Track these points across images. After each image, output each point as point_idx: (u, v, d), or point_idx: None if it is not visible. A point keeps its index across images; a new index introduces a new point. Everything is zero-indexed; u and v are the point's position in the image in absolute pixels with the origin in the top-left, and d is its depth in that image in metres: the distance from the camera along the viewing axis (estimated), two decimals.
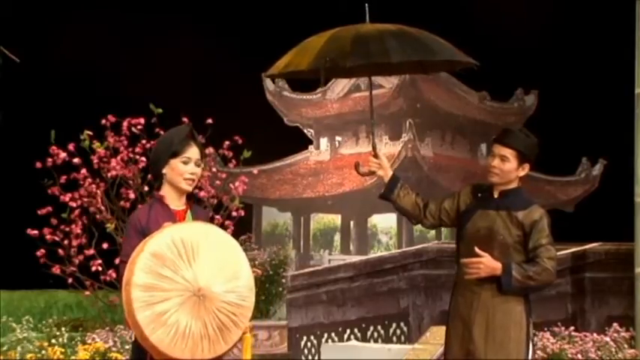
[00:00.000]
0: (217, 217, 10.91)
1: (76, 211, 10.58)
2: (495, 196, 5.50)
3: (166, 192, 5.04)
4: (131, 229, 4.95)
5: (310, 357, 14.45)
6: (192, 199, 5.14)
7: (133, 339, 4.96)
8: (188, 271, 4.75)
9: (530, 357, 5.40)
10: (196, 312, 4.74)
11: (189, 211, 5.08)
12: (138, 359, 4.90)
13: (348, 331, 13.40)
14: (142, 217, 4.96)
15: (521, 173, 5.50)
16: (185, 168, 5.01)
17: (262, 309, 12.56)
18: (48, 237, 10.44)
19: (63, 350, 9.45)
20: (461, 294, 5.48)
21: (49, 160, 10.45)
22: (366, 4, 5.73)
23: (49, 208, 10.44)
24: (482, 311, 5.38)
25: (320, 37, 5.66)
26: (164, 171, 5.01)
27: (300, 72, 5.72)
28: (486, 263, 5.29)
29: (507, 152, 5.45)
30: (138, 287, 4.67)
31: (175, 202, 5.04)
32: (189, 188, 5.05)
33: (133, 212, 5.06)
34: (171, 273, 4.73)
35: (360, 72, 6.09)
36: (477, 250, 5.31)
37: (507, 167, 5.45)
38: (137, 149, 10.76)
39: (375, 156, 5.73)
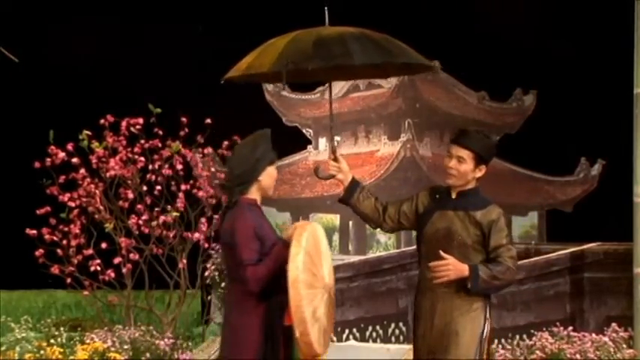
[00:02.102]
0: (216, 216, 10.91)
1: (75, 211, 10.58)
2: (453, 196, 5.53)
3: (255, 196, 5.20)
4: (250, 234, 5.03)
5: None
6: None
7: (253, 338, 5.01)
8: (321, 268, 5.05)
9: (481, 357, 5.40)
10: (326, 307, 5.05)
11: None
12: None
13: (347, 331, 13.38)
14: (255, 222, 5.08)
15: (478, 174, 5.52)
16: (276, 173, 5.26)
17: None
18: (47, 237, 10.45)
19: (61, 350, 9.45)
20: (422, 295, 5.52)
21: (48, 159, 10.46)
22: (325, 8, 5.73)
23: (48, 208, 10.45)
24: (443, 310, 5.43)
25: (281, 40, 5.65)
26: (260, 178, 5.16)
27: (261, 75, 5.71)
28: (454, 265, 5.30)
29: (464, 153, 5.46)
30: (303, 284, 4.87)
31: (259, 205, 5.24)
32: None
33: (241, 221, 5.09)
34: (316, 270, 4.99)
35: (321, 75, 6.08)
36: (441, 253, 5.33)
37: (464, 168, 5.47)
38: (136, 149, 10.76)
39: (335, 159, 5.76)
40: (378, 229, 5.79)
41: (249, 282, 4.98)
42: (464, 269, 5.31)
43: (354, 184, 5.68)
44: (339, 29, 5.65)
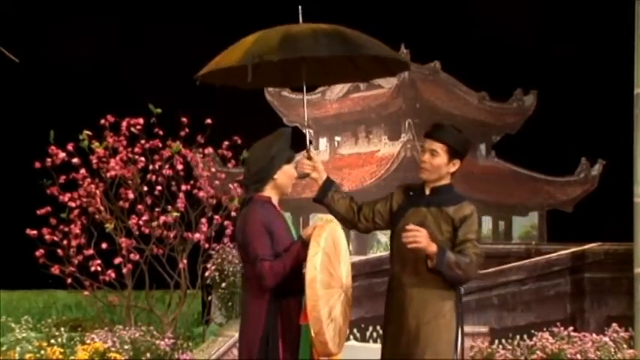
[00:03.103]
0: (216, 217, 10.91)
1: (75, 211, 10.57)
2: (427, 193, 5.47)
3: (271, 193, 5.21)
4: (260, 230, 5.05)
5: None
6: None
7: (261, 338, 5.06)
8: (339, 268, 5.08)
9: (458, 357, 5.37)
10: (342, 307, 5.10)
11: (281, 210, 5.27)
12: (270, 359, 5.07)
13: (347, 331, 13.43)
14: (264, 218, 5.08)
15: (452, 169, 5.46)
16: (294, 172, 5.25)
17: None
18: (47, 237, 10.44)
19: (62, 350, 9.43)
20: (393, 295, 5.45)
21: (48, 160, 10.45)
22: (300, 7, 5.72)
23: (48, 208, 10.44)
24: (414, 311, 5.35)
25: (251, 37, 5.66)
26: (276, 176, 5.18)
27: (231, 72, 5.69)
28: (425, 234, 5.23)
29: (437, 146, 5.41)
30: (320, 284, 4.90)
31: (275, 203, 5.24)
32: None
33: (253, 216, 5.11)
34: (333, 270, 5.01)
35: (295, 79, 6.01)
36: (410, 225, 5.25)
37: (437, 162, 5.41)
38: (136, 149, 10.76)
39: (309, 158, 5.68)
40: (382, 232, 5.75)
41: (266, 277, 4.99)
42: (433, 245, 5.24)
43: (329, 183, 5.62)
44: (310, 25, 5.63)
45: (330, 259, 4.99)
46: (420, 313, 5.35)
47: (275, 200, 5.21)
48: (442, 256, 5.23)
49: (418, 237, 5.20)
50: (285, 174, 5.20)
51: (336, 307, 5.02)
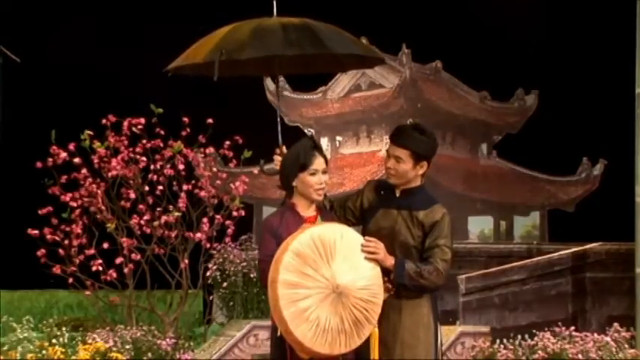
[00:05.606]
0: (218, 216, 10.92)
1: (77, 211, 10.58)
2: (397, 194, 5.34)
3: (297, 200, 5.30)
4: (266, 233, 5.24)
5: None
6: (321, 205, 5.39)
7: (273, 338, 5.21)
8: (327, 269, 5.03)
9: (438, 357, 5.32)
10: (334, 308, 5.02)
11: (319, 217, 5.32)
12: (277, 358, 5.18)
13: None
14: (275, 222, 5.25)
15: (420, 171, 5.32)
16: (314, 179, 5.25)
17: (263, 309, 12.60)
18: (48, 237, 10.45)
19: (63, 350, 9.44)
20: None
21: (50, 159, 10.46)
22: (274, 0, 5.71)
23: (50, 208, 10.45)
24: (390, 314, 5.25)
25: (222, 30, 5.63)
26: (294, 184, 5.27)
27: (198, 65, 5.69)
28: (382, 247, 5.14)
29: (401, 152, 5.26)
30: (283, 285, 4.94)
31: (306, 210, 5.30)
32: (320, 198, 5.31)
33: (266, 218, 5.35)
34: (312, 271, 5.00)
35: (270, 68, 5.93)
36: (366, 238, 5.17)
37: (402, 168, 5.27)
38: (137, 149, 10.77)
39: (281, 154, 5.57)
40: None
41: (261, 276, 5.17)
42: (390, 258, 5.15)
43: None
44: (281, 19, 5.57)
45: (306, 260, 4.98)
46: (397, 316, 5.28)
47: (302, 206, 5.28)
48: (401, 269, 5.15)
49: (375, 249, 5.13)
50: (302, 182, 5.25)
51: (314, 307, 4.97)
